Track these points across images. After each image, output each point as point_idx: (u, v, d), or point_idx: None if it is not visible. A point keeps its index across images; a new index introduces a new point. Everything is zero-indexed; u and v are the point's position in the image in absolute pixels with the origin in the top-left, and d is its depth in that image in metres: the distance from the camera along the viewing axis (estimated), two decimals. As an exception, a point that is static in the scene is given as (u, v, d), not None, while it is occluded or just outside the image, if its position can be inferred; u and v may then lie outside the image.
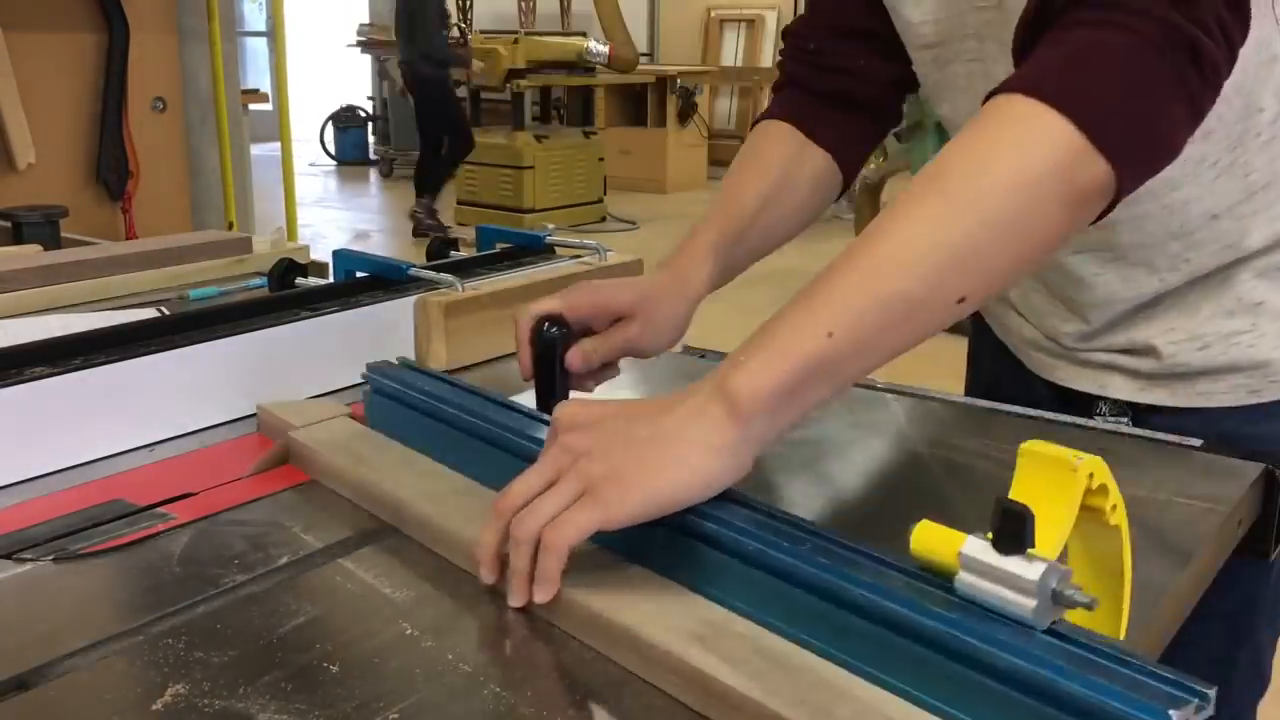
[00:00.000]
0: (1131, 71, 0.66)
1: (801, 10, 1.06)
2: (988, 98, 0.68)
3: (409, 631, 0.64)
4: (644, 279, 0.92)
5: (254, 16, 11.47)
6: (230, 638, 0.64)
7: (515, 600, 0.65)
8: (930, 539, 0.56)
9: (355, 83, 11.14)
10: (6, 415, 0.86)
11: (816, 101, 1.01)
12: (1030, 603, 0.51)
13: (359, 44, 10.25)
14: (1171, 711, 0.46)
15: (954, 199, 0.65)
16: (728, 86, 9.79)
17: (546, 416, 0.78)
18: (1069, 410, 1.02)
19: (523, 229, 1.44)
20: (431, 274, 1.19)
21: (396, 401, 0.90)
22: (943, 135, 4.70)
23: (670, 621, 0.61)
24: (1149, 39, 0.65)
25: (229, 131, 3.39)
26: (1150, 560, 0.75)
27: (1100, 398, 1.01)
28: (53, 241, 1.67)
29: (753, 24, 9.69)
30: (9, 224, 1.69)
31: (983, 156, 0.66)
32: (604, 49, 7.32)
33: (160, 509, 0.82)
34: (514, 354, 0.89)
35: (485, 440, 0.80)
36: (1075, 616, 0.54)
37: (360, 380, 0.95)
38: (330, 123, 10.47)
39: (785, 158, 0.99)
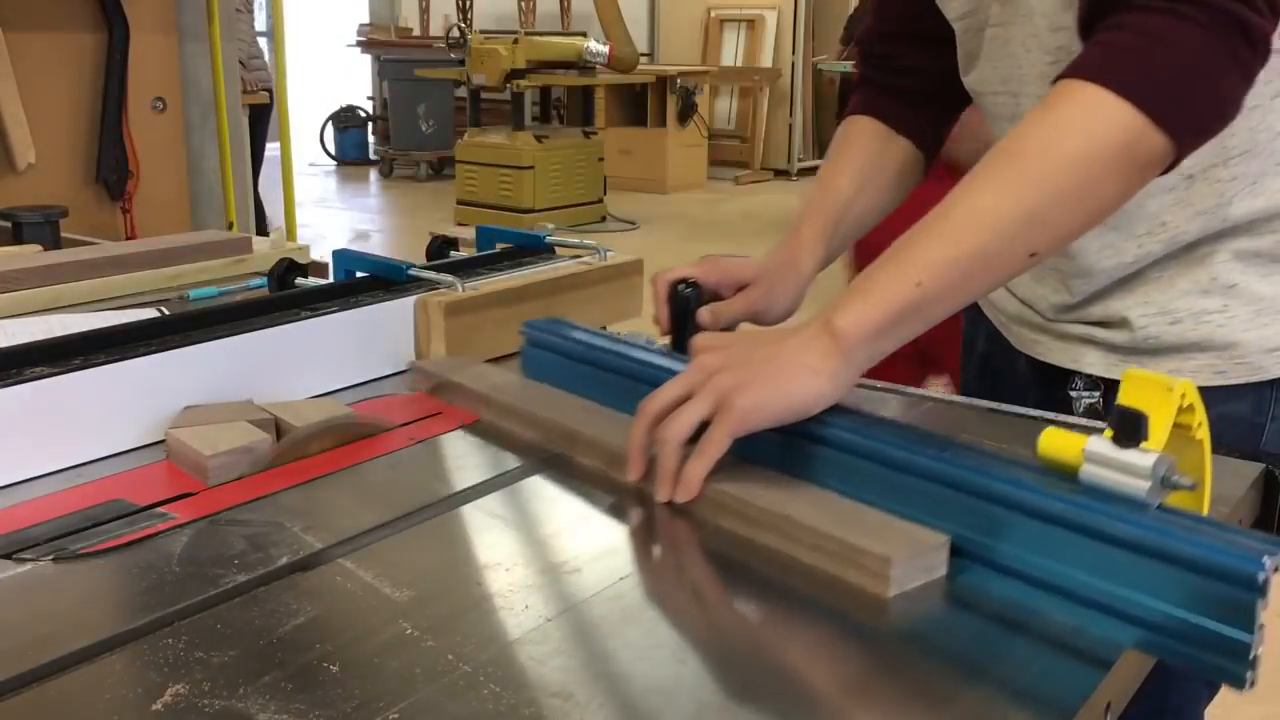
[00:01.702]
0: (1187, 55, 0.76)
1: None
2: (1057, 79, 0.79)
3: (409, 631, 0.64)
4: (762, 259, 1.07)
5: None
6: (230, 638, 0.64)
7: (662, 495, 0.79)
8: (1056, 442, 0.69)
9: (355, 83, 11.14)
10: (6, 415, 0.86)
11: (894, 97, 1.14)
12: (1145, 485, 0.64)
13: (359, 44, 10.26)
14: (1265, 559, 0.58)
15: (1027, 172, 0.77)
16: (728, 86, 9.79)
17: (684, 357, 0.93)
18: (1048, 388, 1.06)
19: (523, 229, 1.43)
20: (431, 274, 1.19)
21: (551, 351, 1.03)
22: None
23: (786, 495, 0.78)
24: (1201, 23, 0.75)
25: (229, 131, 3.39)
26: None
27: (1076, 373, 1.04)
28: (53, 241, 1.67)
29: (753, 24, 9.68)
30: (9, 224, 1.69)
31: (1052, 136, 0.77)
32: (604, 49, 7.32)
33: (160, 509, 0.82)
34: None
35: (632, 377, 0.93)
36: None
37: (360, 381, 0.96)
38: (330, 123, 10.47)
39: (872, 148, 1.12)
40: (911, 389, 1.09)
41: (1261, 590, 0.58)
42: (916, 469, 0.74)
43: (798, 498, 0.76)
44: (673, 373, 0.88)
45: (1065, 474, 0.68)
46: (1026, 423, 1.00)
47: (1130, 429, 0.64)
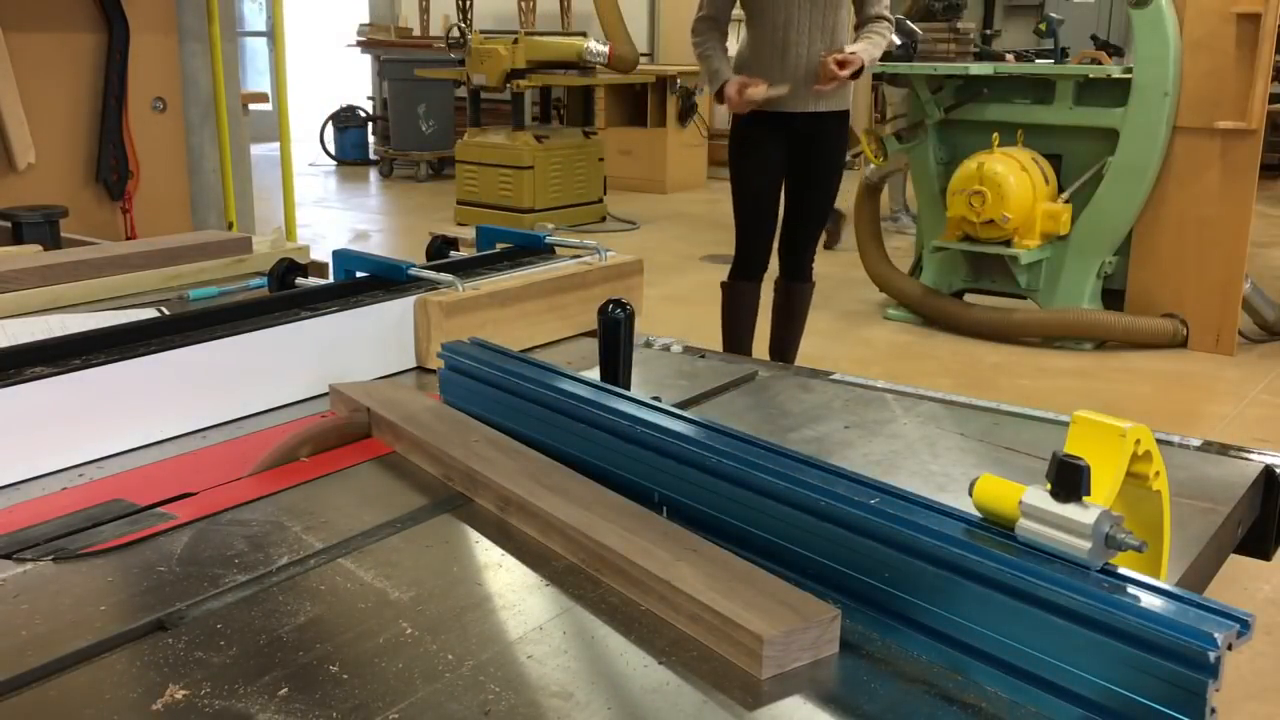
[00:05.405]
0: None
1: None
2: None
3: (409, 631, 0.64)
4: None
5: (254, 16, 11.47)
6: (230, 638, 0.64)
7: None
8: (992, 491, 0.61)
9: (355, 83, 11.14)
10: (6, 415, 0.86)
11: None
12: (1086, 545, 0.56)
13: (359, 44, 10.25)
14: (1217, 635, 0.51)
15: None
16: (728, 86, 9.78)
17: (611, 387, 0.88)
18: None
19: (523, 229, 1.43)
20: (431, 274, 1.19)
21: (470, 378, 0.96)
22: (942, 135, 4.59)
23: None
24: None
25: (229, 131, 3.39)
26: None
27: None
28: (53, 241, 1.67)
29: (753, 24, 9.68)
30: (9, 224, 1.69)
31: None
32: (604, 49, 7.31)
33: (160, 509, 0.82)
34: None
35: (555, 410, 0.87)
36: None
37: (360, 380, 0.95)
38: (330, 123, 10.46)
39: None
40: (911, 388, 1.09)
41: (1213, 671, 0.50)
42: (839, 518, 0.65)
43: (689, 558, 0.65)
44: (596, 405, 0.82)
45: (1003, 527, 0.60)
46: (1026, 423, 1.00)
47: (1068, 482, 0.56)
